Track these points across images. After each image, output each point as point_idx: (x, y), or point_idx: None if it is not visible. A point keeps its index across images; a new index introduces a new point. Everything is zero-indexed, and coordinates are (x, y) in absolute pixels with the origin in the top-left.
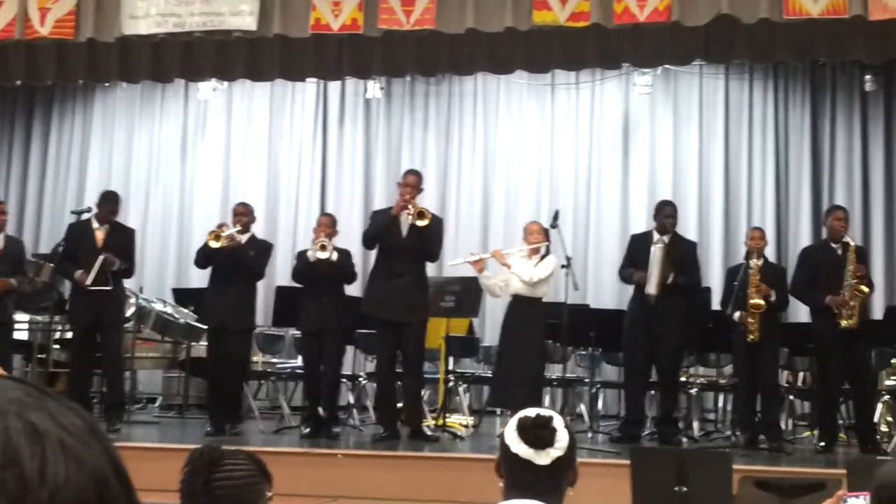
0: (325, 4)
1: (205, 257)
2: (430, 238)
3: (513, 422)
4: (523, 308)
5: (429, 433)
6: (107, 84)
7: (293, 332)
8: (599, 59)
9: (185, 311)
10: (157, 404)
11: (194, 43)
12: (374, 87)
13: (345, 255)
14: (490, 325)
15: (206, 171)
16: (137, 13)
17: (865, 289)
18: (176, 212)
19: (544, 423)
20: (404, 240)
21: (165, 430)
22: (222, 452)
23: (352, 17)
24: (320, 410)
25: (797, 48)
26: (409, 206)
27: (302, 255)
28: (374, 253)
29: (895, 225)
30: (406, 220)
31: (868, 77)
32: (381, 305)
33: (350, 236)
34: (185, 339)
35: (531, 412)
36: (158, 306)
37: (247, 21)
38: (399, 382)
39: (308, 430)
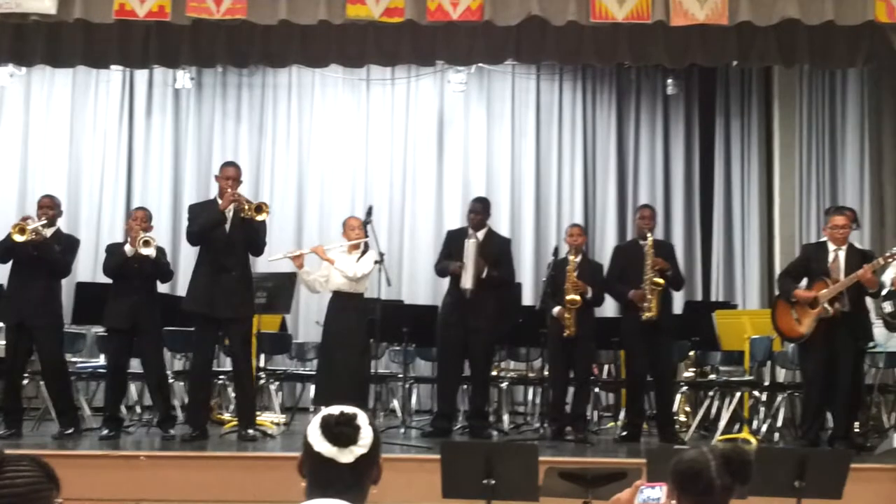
0: None
1: (6, 251)
2: (256, 231)
3: (316, 420)
4: (345, 304)
5: (252, 433)
6: None
7: (96, 330)
8: (414, 56)
9: None
10: None
11: None
12: (183, 77)
13: (161, 251)
14: (303, 322)
15: (1, 161)
16: None
17: (660, 280)
18: None
19: (348, 420)
20: (229, 234)
21: None
22: (4, 458)
23: (159, 3)
24: (128, 411)
25: (603, 51)
26: (242, 202)
27: (115, 249)
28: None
29: (694, 223)
30: (229, 214)
31: (670, 81)
32: (207, 302)
33: (158, 230)
34: None
35: (335, 410)
36: None
37: (45, 4)
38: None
39: (108, 431)
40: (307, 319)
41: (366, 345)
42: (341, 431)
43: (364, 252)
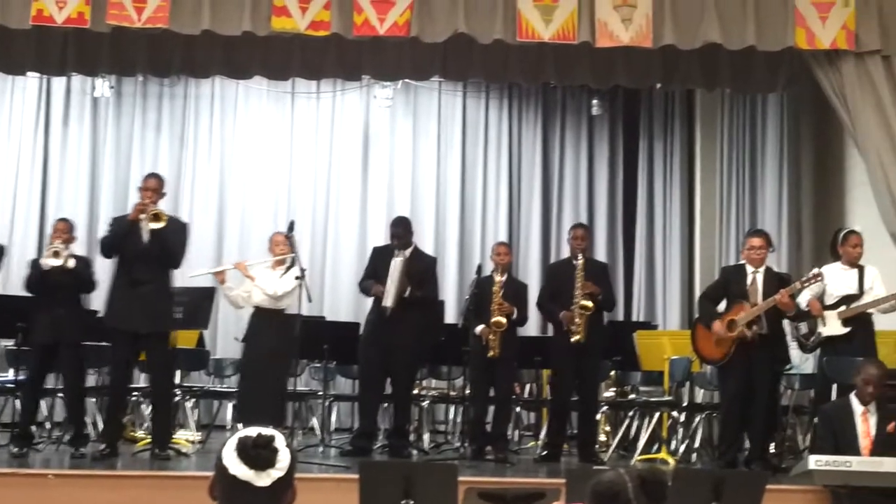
0: None
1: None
2: (172, 243)
3: (231, 442)
4: (267, 320)
5: (166, 451)
6: None
7: (5, 343)
8: (339, 70)
9: None
10: None
11: None
12: (102, 86)
13: (84, 262)
14: (222, 338)
15: None
16: None
17: (589, 304)
18: None
19: (266, 443)
20: (145, 246)
21: None
22: None
23: (78, 10)
24: (37, 427)
25: (529, 70)
26: (147, 210)
27: (35, 264)
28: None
29: (617, 243)
30: (146, 226)
31: (595, 101)
32: (123, 315)
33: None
34: None
35: (251, 432)
36: None
37: None
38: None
39: (17, 448)
40: (226, 335)
41: (286, 362)
42: (259, 454)
43: (289, 268)
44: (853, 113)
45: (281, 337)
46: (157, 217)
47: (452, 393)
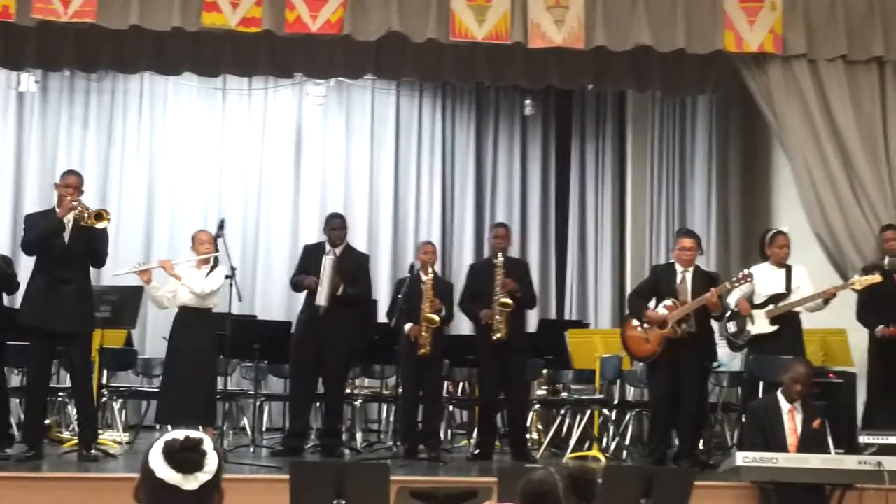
0: None
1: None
2: (97, 242)
3: (158, 445)
4: (192, 319)
5: (93, 452)
6: None
7: None
8: (271, 67)
9: None
10: None
11: None
12: (28, 80)
13: (7, 261)
14: (151, 337)
15: None
16: None
17: (509, 301)
18: None
19: (194, 446)
20: (68, 245)
21: None
22: None
23: (3, 3)
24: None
25: (463, 70)
26: (81, 209)
27: None
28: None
29: (549, 242)
30: (68, 223)
31: (528, 102)
32: (44, 315)
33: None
34: None
35: (179, 435)
36: None
37: None
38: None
39: None
40: (154, 334)
41: (212, 362)
42: (186, 457)
43: (214, 267)
44: (780, 115)
45: (207, 336)
46: (99, 216)
47: (385, 392)
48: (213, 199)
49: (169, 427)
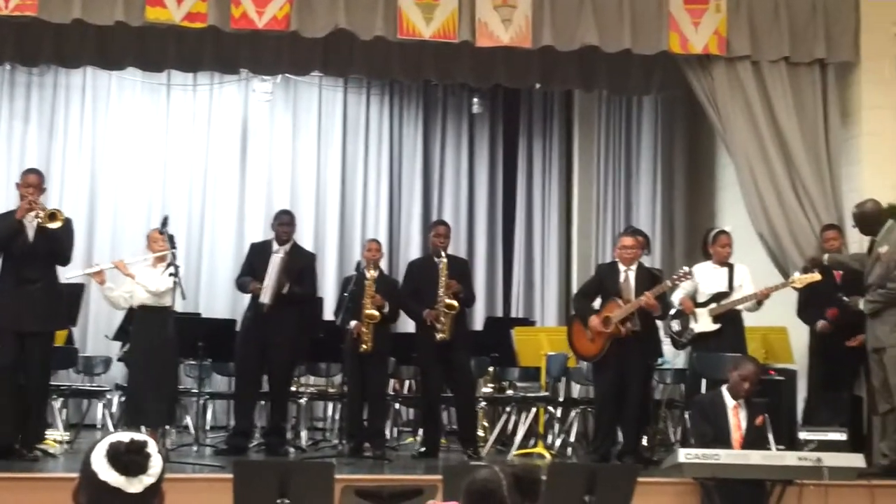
0: None
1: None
2: (61, 240)
3: (101, 447)
4: (152, 318)
5: (34, 452)
6: None
7: None
8: (217, 63)
9: None
10: None
11: None
12: None
13: None
14: (92, 335)
15: None
16: None
17: (454, 303)
18: None
19: (139, 448)
20: (32, 244)
21: None
22: None
23: None
24: None
25: (410, 68)
26: (38, 209)
27: None
28: None
29: (496, 240)
30: (32, 223)
31: (476, 100)
32: (12, 315)
33: None
34: None
35: (124, 437)
36: None
37: None
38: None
39: None
40: (96, 333)
41: (175, 360)
42: (131, 460)
43: (170, 265)
44: (723, 116)
45: (169, 334)
46: (53, 216)
47: (331, 390)
48: (157, 196)
49: (143, 429)
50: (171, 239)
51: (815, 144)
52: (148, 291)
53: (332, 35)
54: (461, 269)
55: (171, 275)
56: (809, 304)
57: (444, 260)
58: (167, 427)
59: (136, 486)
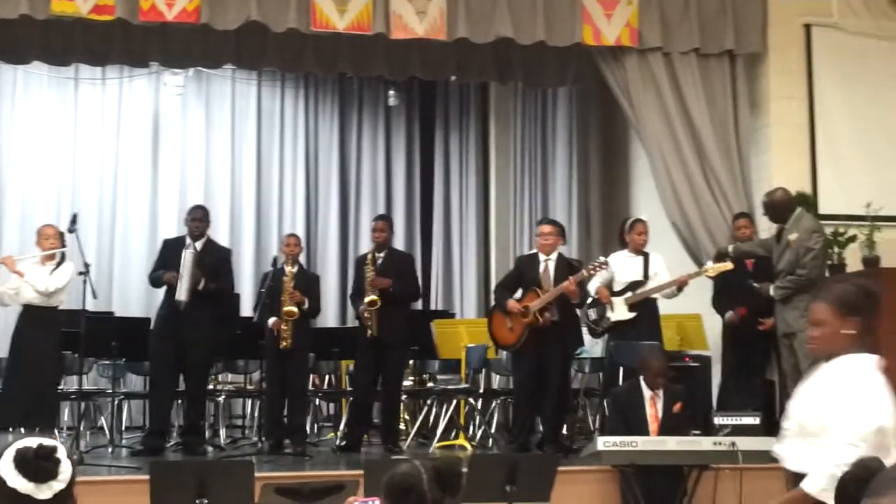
0: None
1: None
2: None
3: (9, 453)
4: (36, 317)
5: None
6: None
7: None
8: (126, 56)
9: None
10: None
11: None
12: None
13: None
14: None
15: None
16: None
17: (375, 298)
18: None
19: (47, 454)
20: None
21: None
22: None
23: None
24: None
25: (325, 60)
26: None
27: None
28: None
29: (415, 233)
30: None
31: (392, 93)
32: None
33: None
34: None
35: (32, 442)
36: None
37: None
38: None
39: None
40: (2, 332)
41: (55, 362)
42: (40, 466)
43: (60, 263)
44: (636, 108)
45: (51, 336)
46: None
47: (250, 387)
48: (67, 192)
49: (12, 430)
50: (63, 236)
51: (726, 134)
52: (36, 290)
53: (244, 27)
54: (401, 264)
55: (81, 273)
56: (722, 292)
57: (370, 256)
58: (80, 428)
59: (45, 492)
